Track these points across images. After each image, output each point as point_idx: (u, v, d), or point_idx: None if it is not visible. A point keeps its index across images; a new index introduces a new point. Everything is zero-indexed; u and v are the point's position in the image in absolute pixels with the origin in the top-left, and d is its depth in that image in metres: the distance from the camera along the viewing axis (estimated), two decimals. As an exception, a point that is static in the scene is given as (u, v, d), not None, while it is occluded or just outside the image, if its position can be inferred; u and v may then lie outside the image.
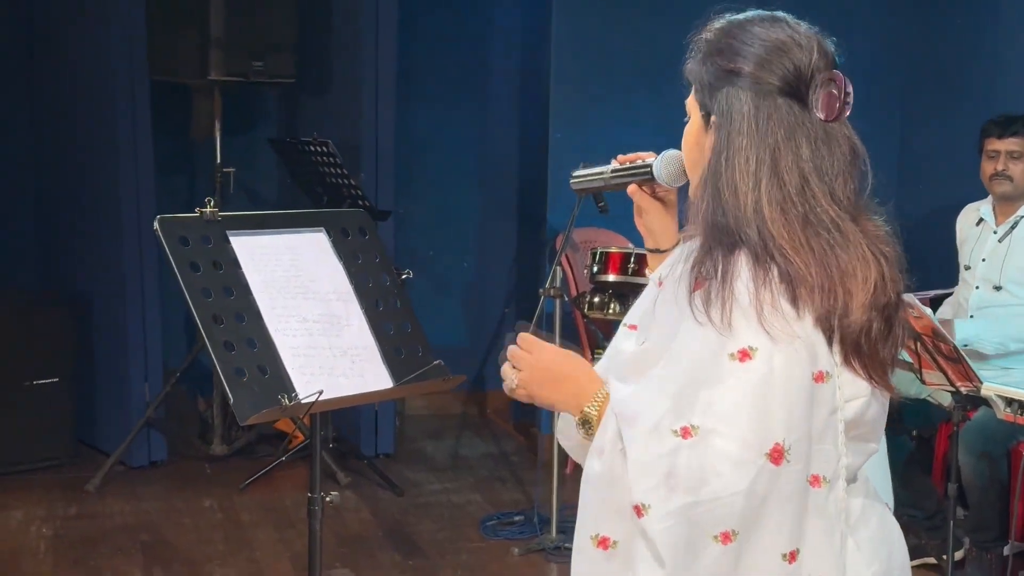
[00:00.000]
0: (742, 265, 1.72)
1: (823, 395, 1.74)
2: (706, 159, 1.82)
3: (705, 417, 1.67)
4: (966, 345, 4.44)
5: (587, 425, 1.82)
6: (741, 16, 1.85)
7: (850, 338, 1.75)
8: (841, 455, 1.78)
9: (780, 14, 1.85)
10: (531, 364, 1.89)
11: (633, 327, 1.93)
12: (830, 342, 1.74)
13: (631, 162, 2.10)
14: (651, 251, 2.13)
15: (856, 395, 1.80)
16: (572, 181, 2.23)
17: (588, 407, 1.83)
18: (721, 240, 1.75)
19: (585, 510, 1.80)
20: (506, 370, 1.91)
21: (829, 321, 1.73)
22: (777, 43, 1.79)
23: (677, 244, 2.07)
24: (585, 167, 2.21)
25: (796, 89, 1.78)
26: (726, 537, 1.68)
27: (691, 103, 1.89)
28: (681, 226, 2.01)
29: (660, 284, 1.88)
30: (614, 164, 2.13)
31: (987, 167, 4.64)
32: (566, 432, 1.93)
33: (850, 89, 1.80)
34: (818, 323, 1.72)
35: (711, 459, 1.67)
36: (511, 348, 1.89)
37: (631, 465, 1.71)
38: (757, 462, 1.67)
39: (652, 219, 2.10)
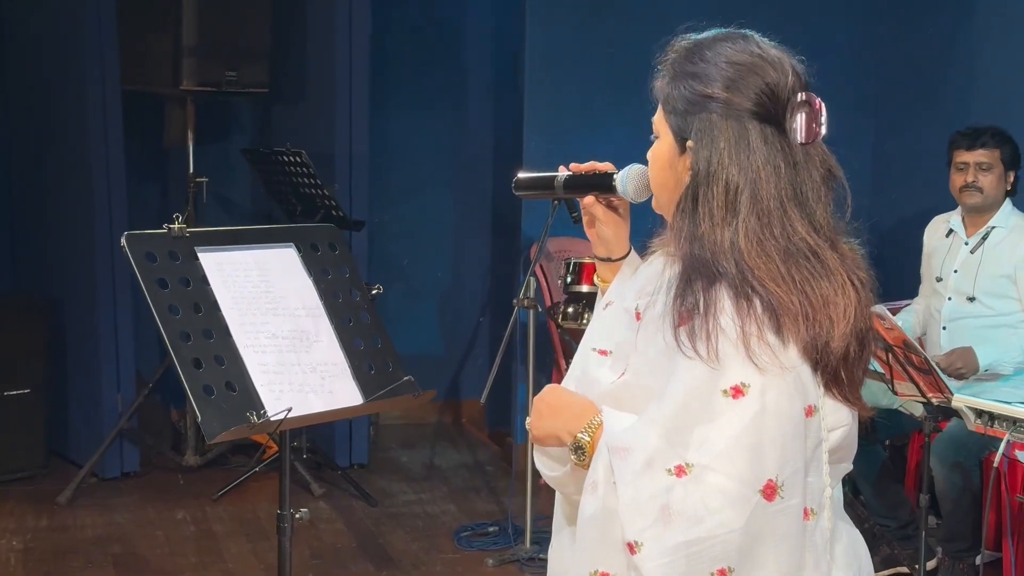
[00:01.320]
0: (724, 298, 1.70)
1: (811, 429, 1.74)
2: (681, 183, 1.81)
3: (700, 454, 1.66)
4: (987, 370, 4.46)
5: (580, 451, 1.81)
6: (710, 36, 1.84)
7: (831, 366, 1.75)
8: (826, 486, 1.79)
9: (748, 32, 1.84)
10: (537, 401, 1.90)
11: (604, 352, 1.92)
12: (814, 370, 1.74)
13: (588, 172, 2.06)
14: (603, 260, 2.11)
15: (838, 424, 1.81)
16: (516, 186, 2.20)
17: (581, 433, 1.81)
18: (701, 271, 1.73)
19: (583, 546, 1.77)
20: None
21: (815, 349, 1.72)
22: (751, 66, 1.78)
23: (628, 254, 2.08)
24: (528, 172, 2.18)
25: (773, 113, 1.77)
26: (722, 574, 1.68)
27: (660, 123, 1.86)
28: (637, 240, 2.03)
29: (638, 316, 1.86)
30: (565, 172, 2.09)
31: (956, 179, 4.65)
32: (551, 463, 1.91)
33: (824, 110, 1.80)
34: (804, 353, 1.72)
35: (706, 496, 1.66)
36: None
37: (623, 503, 1.70)
38: (752, 499, 1.67)
39: (607, 229, 2.07)
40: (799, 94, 1.78)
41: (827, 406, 1.78)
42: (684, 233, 1.77)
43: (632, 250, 2.09)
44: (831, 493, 1.80)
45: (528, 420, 1.91)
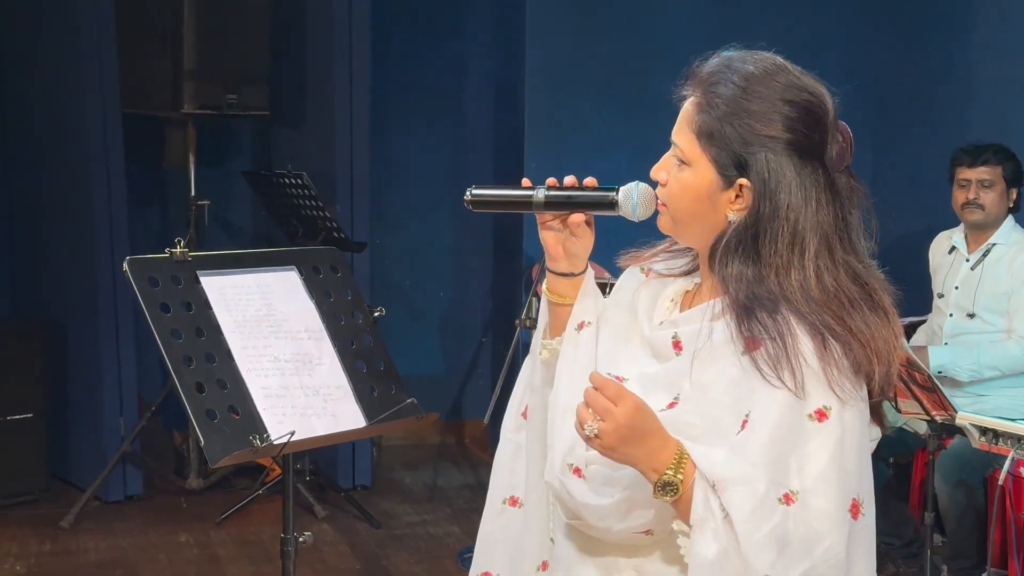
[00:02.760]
0: (795, 326, 1.74)
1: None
2: (718, 216, 1.83)
3: (802, 480, 1.71)
4: (940, 372, 4.46)
5: (671, 489, 1.74)
6: (749, 65, 1.82)
7: (883, 400, 1.84)
8: (869, 496, 1.83)
9: (780, 60, 1.84)
10: (616, 417, 1.74)
11: (619, 379, 1.89)
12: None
13: (576, 187, 1.97)
14: (563, 275, 2.02)
15: (872, 437, 1.86)
16: (475, 202, 2.04)
17: (669, 472, 1.74)
18: (760, 304, 1.76)
19: None
20: (583, 414, 1.77)
21: (880, 389, 1.80)
22: (807, 105, 1.80)
23: (587, 268, 2.04)
24: (485, 188, 2.05)
25: (821, 149, 1.80)
26: None
27: (695, 152, 1.83)
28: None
29: (678, 346, 1.86)
30: (539, 188, 1.97)
31: (959, 196, 4.66)
32: (598, 488, 1.84)
33: (851, 136, 1.83)
34: (873, 391, 1.79)
35: (814, 521, 1.70)
36: (592, 394, 1.76)
37: (744, 539, 1.70)
38: (846, 519, 1.72)
39: (580, 245, 2.00)
40: (834, 125, 1.82)
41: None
42: (745, 275, 1.78)
43: (588, 266, 2.05)
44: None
45: (594, 427, 1.74)
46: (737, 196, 1.81)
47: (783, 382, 1.71)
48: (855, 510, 1.73)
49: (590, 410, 1.75)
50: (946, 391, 3.89)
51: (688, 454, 1.75)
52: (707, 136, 1.82)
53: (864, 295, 1.79)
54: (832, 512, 1.71)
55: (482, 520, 2.14)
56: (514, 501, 2.09)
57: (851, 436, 1.73)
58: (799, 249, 1.77)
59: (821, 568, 1.70)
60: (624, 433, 1.74)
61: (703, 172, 1.83)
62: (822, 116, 1.80)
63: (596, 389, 1.76)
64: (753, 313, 1.76)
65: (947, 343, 4.68)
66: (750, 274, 1.78)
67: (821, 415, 1.72)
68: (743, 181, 1.80)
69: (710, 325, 1.81)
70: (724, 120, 1.80)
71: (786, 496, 1.70)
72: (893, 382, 1.81)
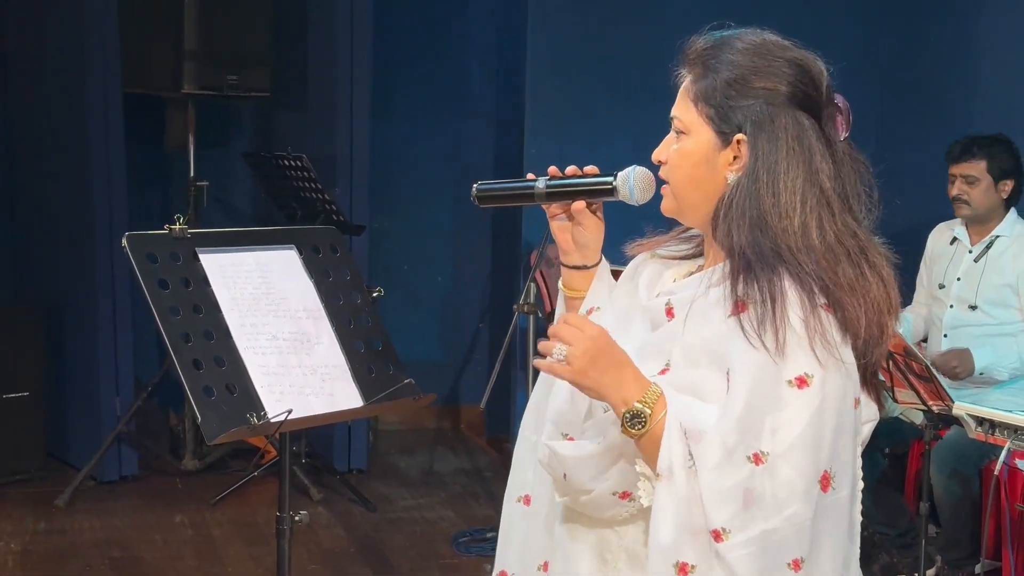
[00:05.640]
0: (788, 289, 1.73)
1: (857, 421, 1.79)
2: (718, 178, 1.83)
3: (774, 444, 1.70)
4: (982, 373, 4.46)
5: (638, 421, 1.73)
6: (742, 32, 1.85)
7: (873, 367, 1.81)
8: (858, 477, 1.82)
9: (770, 33, 1.86)
10: (583, 339, 1.74)
11: None
12: (859, 369, 1.79)
13: (577, 175, 1.97)
14: (577, 268, 2.03)
15: (869, 417, 1.85)
16: (480, 197, 2.03)
17: (640, 403, 1.74)
18: (762, 260, 1.75)
19: (661, 538, 1.73)
20: (546, 345, 1.76)
21: (866, 353, 1.77)
22: (802, 64, 1.82)
23: (600, 261, 2.04)
24: (489, 182, 2.04)
25: (817, 108, 1.81)
26: (796, 564, 1.71)
27: (693, 119, 1.85)
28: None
29: (670, 313, 1.86)
30: (541, 178, 1.97)
31: (950, 190, 4.67)
32: (576, 443, 1.85)
33: (848, 107, 1.84)
34: (858, 352, 1.77)
35: (779, 489, 1.69)
36: (555, 326, 1.77)
37: (707, 490, 1.70)
38: (813, 490, 1.71)
39: (589, 235, 1.99)
40: (831, 93, 1.83)
41: (862, 400, 1.82)
42: (745, 221, 1.78)
43: (602, 257, 2.05)
44: (860, 484, 1.85)
45: (563, 350, 1.74)
46: (736, 157, 1.82)
47: (763, 344, 1.71)
48: (825, 483, 1.72)
49: (555, 339, 1.76)
50: (985, 389, 3.91)
51: (663, 394, 1.75)
52: (704, 98, 1.83)
53: (862, 255, 1.79)
54: (798, 483, 1.70)
55: (501, 517, 2.14)
56: (527, 500, 2.08)
57: (831, 406, 1.71)
58: (800, 198, 1.77)
59: (784, 533, 1.70)
60: (593, 354, 1.74)
61: (701, 135, 1.84)
62: (816, 75, 1.82)
63: (564, 322, 1.77)
64: (752, 271, 1.75)
65: (947, 335, 4.68)
66: (753, 223, 1.78)
67: (802, 382, 1.71)
68: (740, 136, 1.81)
69: (707, 289, 1.81)
70: (721, 80, 1.82)
71: (755, 456, 1.69)
72: (881, 348, 1.79)
